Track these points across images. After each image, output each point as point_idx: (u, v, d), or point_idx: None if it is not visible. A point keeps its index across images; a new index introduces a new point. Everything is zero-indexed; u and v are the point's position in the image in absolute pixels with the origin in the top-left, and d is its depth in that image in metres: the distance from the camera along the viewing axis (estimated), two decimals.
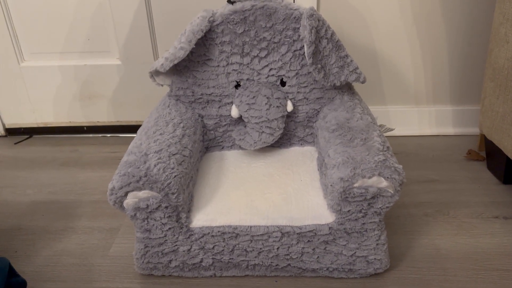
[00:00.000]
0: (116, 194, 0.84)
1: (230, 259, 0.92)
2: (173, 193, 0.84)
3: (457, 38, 1.40)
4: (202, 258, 0.93)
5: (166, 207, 0.85)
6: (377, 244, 0.90)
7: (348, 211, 0.85)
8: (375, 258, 0.91)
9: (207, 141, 1.10)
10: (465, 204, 1.18)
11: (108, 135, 1.61)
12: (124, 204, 0.86)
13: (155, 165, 0.84)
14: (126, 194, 0.84)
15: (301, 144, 1.11)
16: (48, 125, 1.61)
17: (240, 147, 1.09)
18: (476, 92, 1.48)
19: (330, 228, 0.87)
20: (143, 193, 0.84)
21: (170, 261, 0.93)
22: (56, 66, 1.49)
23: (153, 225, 0.88)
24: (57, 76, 1.51)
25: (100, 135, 1.61)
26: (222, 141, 1.11)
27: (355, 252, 0.90)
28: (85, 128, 1.60)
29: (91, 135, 1.61)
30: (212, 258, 0.93)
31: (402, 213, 1.15)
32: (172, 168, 0.85)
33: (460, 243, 1.04)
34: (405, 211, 1.16)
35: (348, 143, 0.88)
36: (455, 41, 1.41)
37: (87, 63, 1.48)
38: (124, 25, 1.41)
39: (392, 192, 0.84)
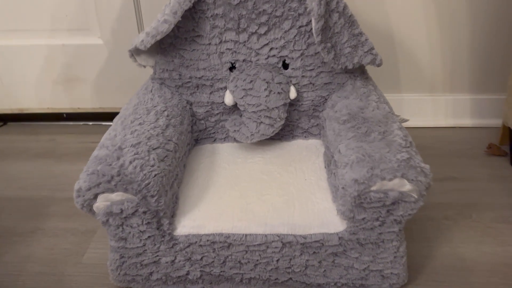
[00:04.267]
0: (83, 196, 0.69)
1: (221, 271, 0.79)
2: (152, 196, 0.69)
3: (480, 19, 1.25)
4: (188, 271, 0.79)
5: (144, 212, 0.71)
6: (394, 256, 0.76)
7: (363, 219, 0.71)
8: (391, 273, 0.77)
9: (196, 132, 0.95)
10: (489, 206, 1.04)
11: (90, 123, 1.46)
12: (94, 208, 0.71)
13: (130, 162, 0.69)
14: (95, 196, 0.70)
15: (305, 137, 0.96)
16: (24, 111, 1.46)
17: (235, 140, 0.94)
18: (498, 79, 1.33)
19: (340, 238, 0.74)
20: (116, 196, 0.70)
21: (150, 274, 0.79)
22: (31, 45, 1.34)
23: (129, 232, 0.74)
24: (32, 57, 1.35)
25: (81, 123, 1.47)
26: (214, 133, 0.96)
27: (369, 266, 0.76)
28: (64, 115, 1.46)
29: (71, 123, 1.47)
30: (201, 271, 0.79)
31: (419, 216, 1.01)
32: (152, 166, 0.71)
33: (486, 253, 0.90)
34: (422, 213, 1.02)
35: (363, 137, 0.74)
36: (478, 22, 1.25)
37: (65, 43, 1.33)
38: None
39: (416, 197, 0.69)
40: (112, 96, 1.40)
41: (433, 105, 1.38)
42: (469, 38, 1.28)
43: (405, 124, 1.33)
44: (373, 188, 0.68)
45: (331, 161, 0.81)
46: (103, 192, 0.70)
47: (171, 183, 0.76)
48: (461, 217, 1.01)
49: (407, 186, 0.68)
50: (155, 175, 0.70)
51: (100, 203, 0.71)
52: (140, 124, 0.79)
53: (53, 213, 1.05)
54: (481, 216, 1.01)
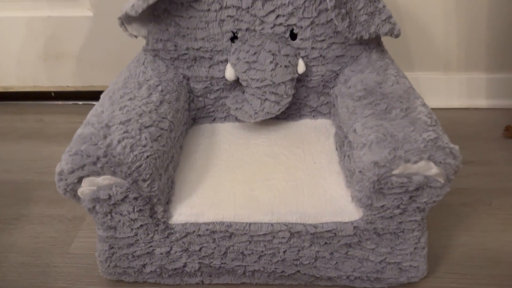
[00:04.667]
0: (65, 180, 0.61)
1: (222, 263, 0.71)
2: (144, 180, 0.61)
3: None
4: (185, 262, 0.71)
5: (136, 199, 0.63)
6: (415, 248, 0.68)
7: (382, 206, 0.63)
8: (410, 265, 0.70)
9: (194, 110, 0.87)
10: (509, 192, 0.97)
11: (80, 103, 1.37)
12: (79, 193, 0.63)
13: (119, 141, 0.61)
14: (80, 180, 0.62)
15: (313, 116, 0.88)
16: (9, 90, 1.37)
17: (237, 119, 0.86)
18: None
19: (355, 227, 0.66)
20: (103, 179, 0.62)
21: (144, 266, 0.72)
22: (14, 17, 1.23)
23: (119, 221, 0.66)
24: (16, 30, 1.25)
25: (70, 102, 1.37)
26: (213, 111, 0.88)
27: (386, 258, 0.69)
28: (52, 94, 1.37)
29: (59, 102, 1.38)
30: (199, 263, 0.71)
31: None
32: (144, 146, 0.62)
33: (510, 242, 0.83)
34: None
35: (383, 114, 0.65)
36: None
37: (52, 15, 1.23)
38: None
39: (443, 181, 0.62)
40: (103, 73, 1.31)
41: (446, 85, 1.29)
42: (487, 12, 1.19)
43: None
44: (395, 171, 0.60)
45: (344, 142, 0.73)
46: (88, 176, 0.61)
47: (165, 166, 0.67)
48: (480, 203, 0.94)
49: (433, 170, 0.60)
50: (147, 157, 0.62)
51: (85, 188, 0.63)
52: (130, 99, 0.70)
53: (39, 198, 0.97)
54: (502, 202, 0.94)
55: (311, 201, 0.68)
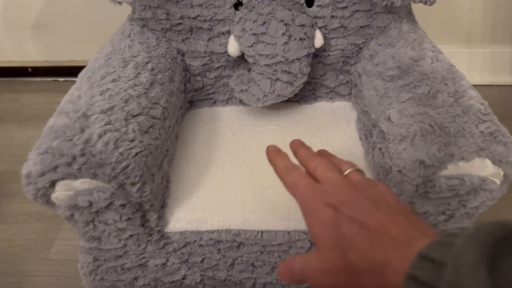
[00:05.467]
0: (35, 184, 0.49)
1: (228, 276, 0.60)
2: (133, 184, 0.49)
3: None
4: (185, 275, 0.60)
5: (123, 206, 0.51)
6: None
7: (425, 212, 0.52)
8: None
9: (191, 92, 0.74)
10: None
11: (61, 79, 1.23)
12: (53, 198, 0.51)
13: (100, 136, 0.49)
14: (53, 183, 0.49)
15: (330, 98, 0.75)
16: None
17: (241, 102, 0.73)
18: None
19: None
20: (82, 183, 0.50)
21: (135, 279, 0.61)
22: None
23: (104, 231, 0.55)
24: None
25: (50, 79, 1.23)
26: (213, 93, 0.75)
27: None
28: (29, 69, 1.22)
29: (38, 79, 1.23)
30: (201, 275, 0.60)
31: None
32: (132, 140, 0.50)
33: None
34: None
35: (427, 99, 0.53)
36: None
37: None
38: None
39: (499, 183, 0.50)
40: (86, 47, 1.16)
41: (469, 59, 1.17)
42: None
43: None
44: (445, 172, 0.48)
45: (372, 131, 0.61)
46: (62, 179, 0.49)
47: (159, 163, 0.55)
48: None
49: (489, 169, 0.49)
50: (136, 154, 0.49)
51: (60, 193, 0.51)
52: (114, 80, 0.57)
53: (14, 192, 0.86)
54: None
55: None
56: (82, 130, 0.49)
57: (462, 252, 0.25)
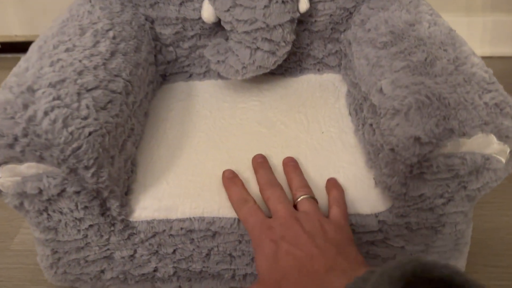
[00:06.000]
0: None
1: (204, 267, 0.55)
2: (87, 167, 0.43)
3: None
4: (156, 267, 0.55)
5: (77, 193, 0.45)
6: (456, 244, 0.53)
7: (420, 196, 0.46)
8: None
9: (163, 64, 0.67)
10: None
11: None
12: None
13: (46, 113, 0.42)
14: None
15: (318, 70, 0.68)
16: None
17: (219, 75, 0.66)
18: None
19: (380, 222, 0.49)
20: (28, 168, 0.43)
21: (102, 271, 0.55)
22: None
23: (60, 221, 0.49)
24: None
25: (22, 55, 1.14)
26: (188, 65, 0.68)
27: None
28: None
29: (8, 55, 1.15)
30: (174, 267, 0.55)
31: None
32: (85, 118, 0.43)
33: None
34: None
35: (423, 67, 0.47)
36: None
37: None
38: None
39: (504, 161, 0.44)
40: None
41: (468, 29, 1.10)
42: None
43: None
44: (444, 150, 0.42)
45: (363, 105, 0.55)
46: (6, 163, 0.43)
47: (120, 144, 0.49)
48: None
49: (494, 146, 0.43)
50: (89, 133, 0.43)
51: (5, 179, 0.44)
52: (67, 50, 0.50)
53: None
54: None
55: (320, 186, 0.51)
56: (26, 107, 0.42)
57: (374, 286, 0.28)
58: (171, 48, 0.65)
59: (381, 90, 0.48)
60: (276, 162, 0.53)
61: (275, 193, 0.46)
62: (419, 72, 0.46)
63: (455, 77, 0.44)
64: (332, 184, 0.49)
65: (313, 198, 0.47)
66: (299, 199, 0.46)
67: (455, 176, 0.44)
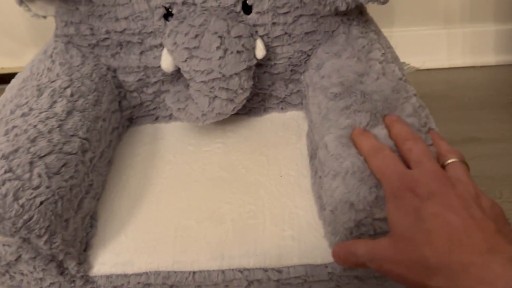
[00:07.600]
0: None
1: None
2: (39, 236, 0.45)
3: None
4: None
5: (33, 258, 0.47)
6: None
7: None
8: None
9: (128, 109, 0.68)
10: None
11: None
12: None
13: None
14: None
15: (281, 109, 0.70)
16: None
17: None
18: None
19: (330, 273, 0.51)
20: None
21: None
22: None
23: (22, 280, 0.51)
24: None
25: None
26: (155, 108, 0.69)
27: None
28: None
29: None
30: None
31: None
32: (36, 187, 0.46)
33: None
34: None
35: (365, 128, 0.47)
36: None
37: None
38: None
39: None
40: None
41: (448, 40, 1.10)
42: None
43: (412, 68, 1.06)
44: (379, 215, 0.43)
45: (316, 152, 0.56)
46: None
47: (76, 205, 0.51)
48: (487, 194, 0.79)
49: None
50: (40, 203, 0.45)
51: None
52: (23, 115, 0.52)
53: None
54: None
55: (274, 236, 0.52)
56: None
57: None
58: (135, 94, 0.67)
59: (326, 146, 0.49)
60: (233, 212, 0.55)
61: (418, 145, 0.40)
62: None
63: (391, 141, 0.45)
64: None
65: (466, 164, 0.40)
66: (449, 161, 0.39)
67: None
